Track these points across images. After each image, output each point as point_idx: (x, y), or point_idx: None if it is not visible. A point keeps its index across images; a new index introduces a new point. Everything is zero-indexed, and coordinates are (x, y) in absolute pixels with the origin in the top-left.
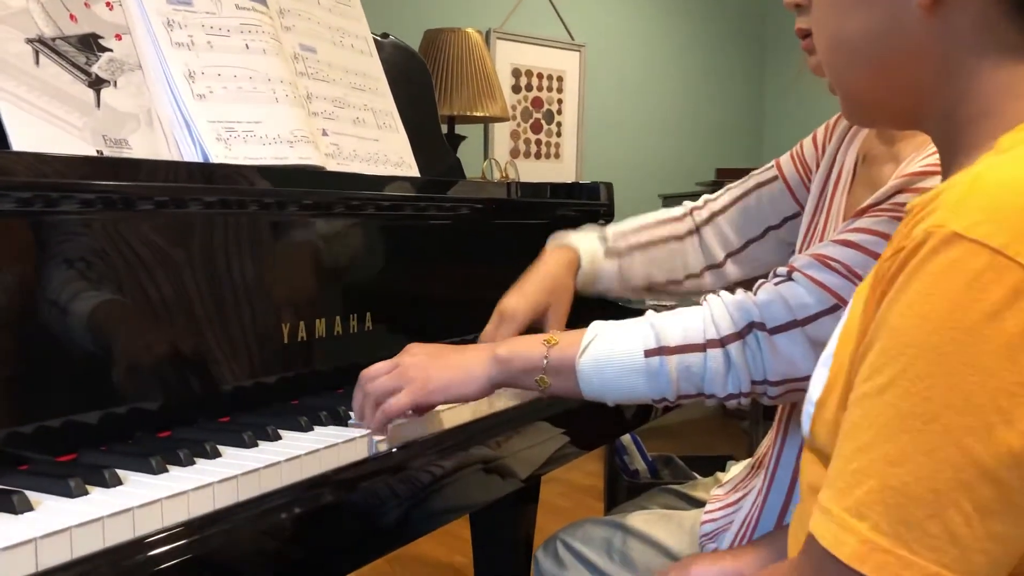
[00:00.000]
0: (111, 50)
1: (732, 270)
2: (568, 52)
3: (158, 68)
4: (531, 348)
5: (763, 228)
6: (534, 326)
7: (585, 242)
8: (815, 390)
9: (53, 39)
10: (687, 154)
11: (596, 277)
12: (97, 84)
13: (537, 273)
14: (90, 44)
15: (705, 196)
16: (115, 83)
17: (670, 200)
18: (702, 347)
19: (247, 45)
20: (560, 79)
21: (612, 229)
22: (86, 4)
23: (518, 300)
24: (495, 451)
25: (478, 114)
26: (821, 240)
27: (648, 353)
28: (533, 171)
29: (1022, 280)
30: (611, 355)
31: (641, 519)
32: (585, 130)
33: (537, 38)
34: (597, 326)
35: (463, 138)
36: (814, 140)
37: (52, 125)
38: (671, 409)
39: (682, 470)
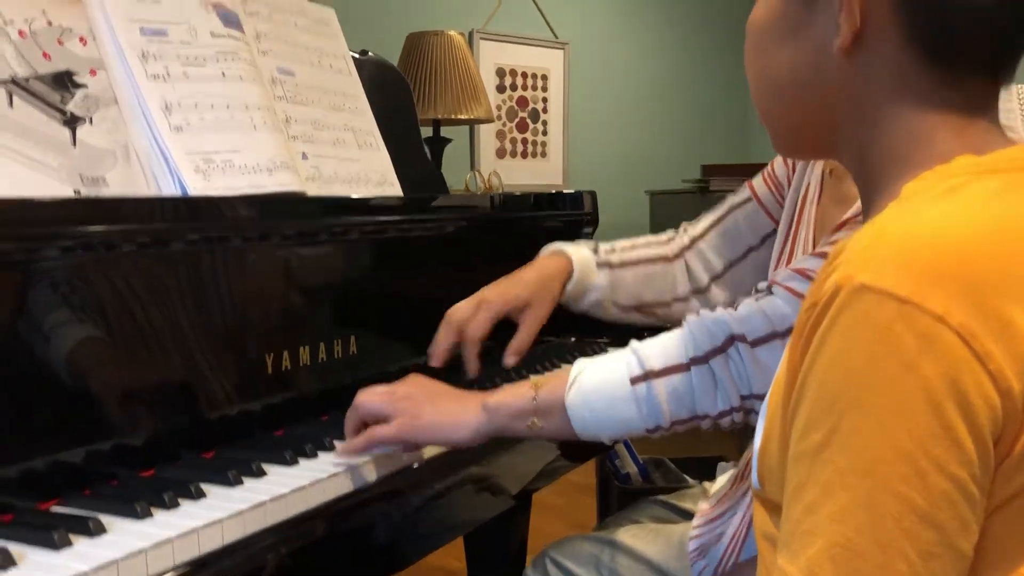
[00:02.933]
0: (86, 86)
1: (717, 293)
2: (552, 50)
3: (134, 102)
4: (518, 393)
5: (744, 249)
6: (511, 321)
7: (578, 251)
8: (757, 440)
9: (27, 79)
10: (673, 150)
11: (587, 287)
12: (72, 122)
13: (525, 270)
14: (64, 82)
15: (684, 224)
16: (91, 120)
17: (658, 196)
18: (686, 367)
19: (223, 73)
20: (545, 78)
21: (604, 245)
22: (59, 41)
23: (499, 290)
24: (486, 470)
25: (463, 117)
26: (793, 254)
27: (634, 380)
28: (520, 171)
29: (931, 326)
30: (598, 387)
31: (629, 534)
32: (571, 128)
33: (521, 37)
34: (582, 362)
35: (449, 140)
36: (784, 159)
37: (27, 167)
38: None
39: (673, 473)
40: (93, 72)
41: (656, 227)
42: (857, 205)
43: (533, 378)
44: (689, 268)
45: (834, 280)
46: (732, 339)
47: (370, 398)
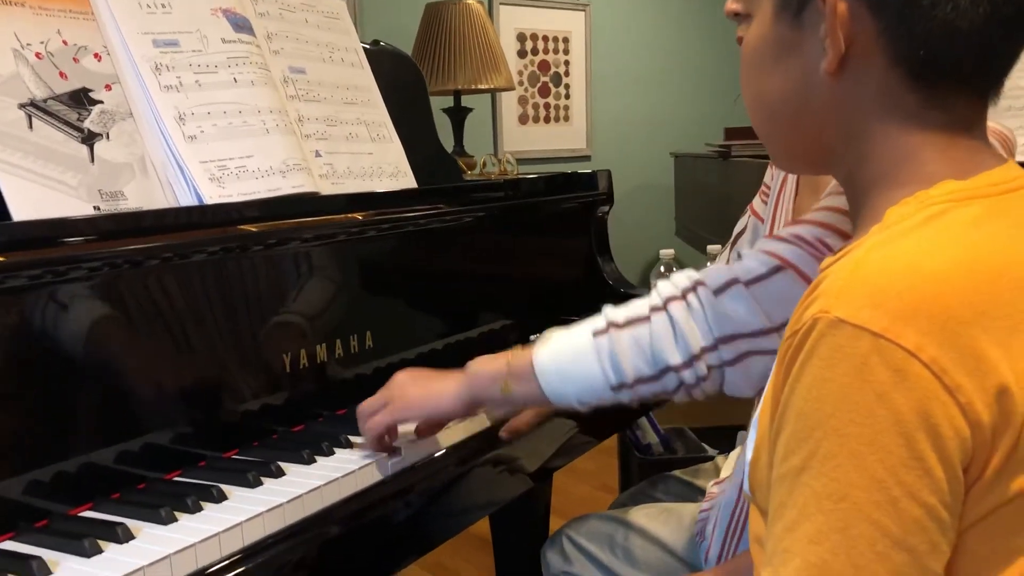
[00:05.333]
0: (102, 102)
1: None
2: (573, 12)
3: (149, 114)
4: (495, 358)
5: None
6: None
7: None
8: (748, 451)
9: (45, 100)
10: (696, 113)
11: None
12: (90, 139)
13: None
14: (80, 99)
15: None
16: (107, 135)
17: (681, 159)
18: (647, 317)
19: (235, 79)
20: (566, 40)
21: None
22: (75, 59)
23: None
24: (504, 453)
25: (483, 87)
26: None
27: (596, 333)
28: (543, 136)
29: (904, 360)
30: (564, 344)
31: (642, 514)
32: (593, 91)
33: (540, 0)
34: (554, 330)
35: (470, 110)
36: (771, 164)
37: (48, 188)
38: (660, 405)
39: (694, 443)
40: (108, 87)
41: (680, 189)
42: (831, 187)
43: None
44: None
45: (812, 312)
46: (694, 286)
47: (366, 403)
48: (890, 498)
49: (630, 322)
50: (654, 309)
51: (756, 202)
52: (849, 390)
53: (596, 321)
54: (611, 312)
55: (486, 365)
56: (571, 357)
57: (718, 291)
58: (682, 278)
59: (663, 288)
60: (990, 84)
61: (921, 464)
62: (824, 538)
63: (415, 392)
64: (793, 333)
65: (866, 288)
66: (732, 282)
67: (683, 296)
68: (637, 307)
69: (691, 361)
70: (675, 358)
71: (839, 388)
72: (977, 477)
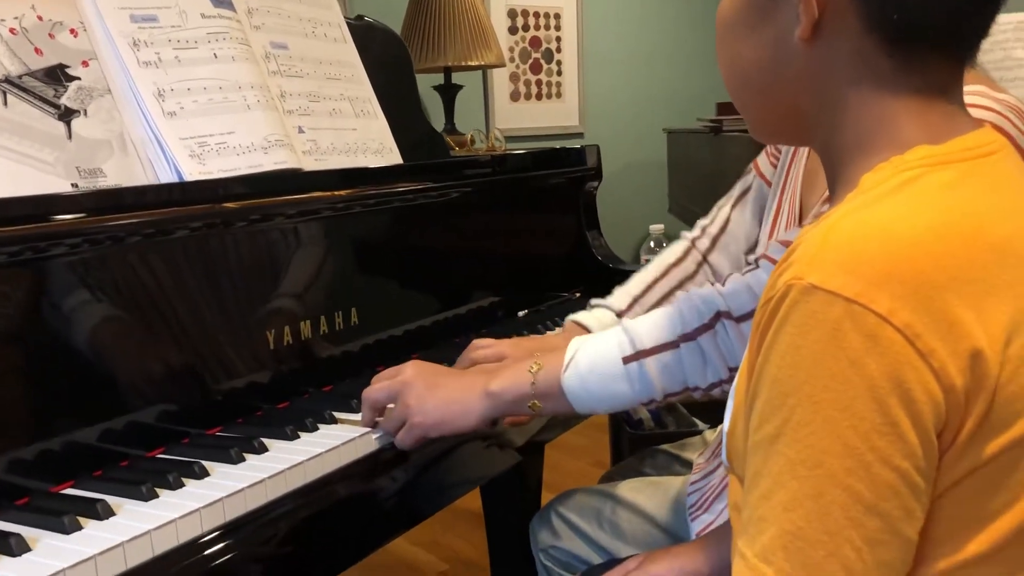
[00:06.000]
0: (79, 78)
1: None
2: None
3: (127, 90)
4: (519, 378)
5: (758, 233)
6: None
7: (600, 321)
8: (726, 421)
9: (20, 76)
10: (688, 88)
11: None
12: (67, 115)
13: (552, 338)
14: (57, 75)
15: (700, 222)
16: (85, 111)
17: (674, 135)
18: (676, 344)
19: (215, 54)
20: (557, 16)
21: (623, 294)
22: (51, 35)
23: (522, 349)
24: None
25: (473, 63)
26: (780, 210)
27: (626, 360)
28: (535, 113)
29: (877, 325)
30: (592, 368)
31: (629, 488)
32: (586, 67)
33: None
34: (576, 342)
35: (460, 87)
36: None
37: (24, 165)
38: None
39: (686, 418)
40: (85, 63)
41: (673, 165)
42: None
43: (533, 358)
44: (716, 269)
45: (786, 279)
46: (719, 315)
47: (373, 393)
48: (863, 464)
49: (658, 348)
50: (684, 339)
51: (762, 161)
52: (822, 356)
53: (621, 341)
54: (636, 332)
55: (509, 386)
56: (601, 381)
57: (741, 319)
58: (705, 302)
59: (688, 313)
60: (965, 48)
61: (894, 429)
62: (798, 505)
63: (435, 410)
64: (767, 300)
65: (839, 254)
66: (753, 313)
67: (711, 326)
68: (662, 329)
69: (719, 383)
70: (704, 382)
71: (812, 355)
72: (951, 442)
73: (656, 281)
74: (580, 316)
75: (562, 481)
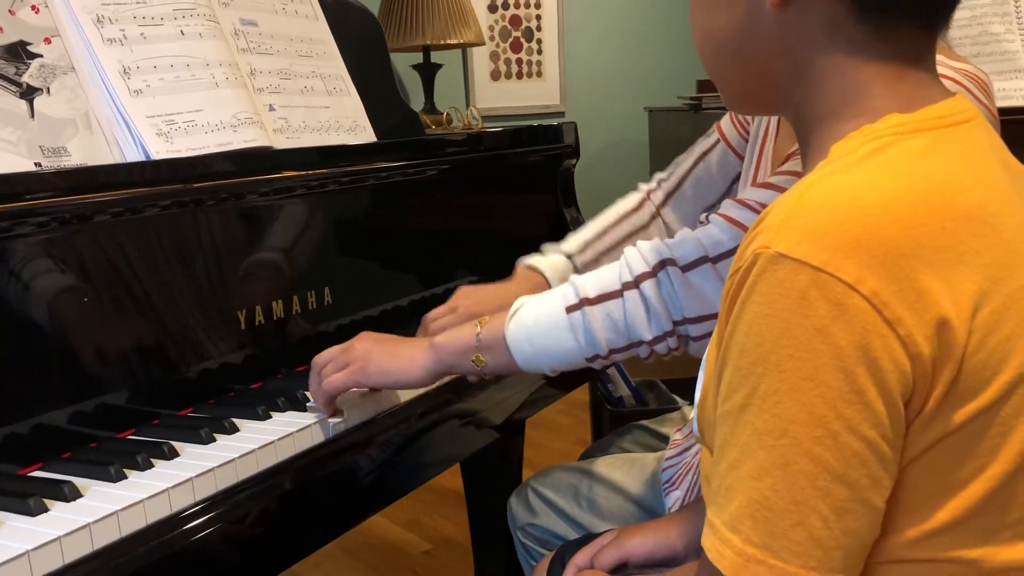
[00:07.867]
0: (41, 56)
1: None
2: None
3: (92, 68)
4: (463, 330)
5: (718, 196)
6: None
7: (552, 264)
8: (697, 392)
9: None
10: (671, 67)
11: None
12: (29, 94)
13: (499, 286)
14: (18, 52)
15: (658, 175)
16: (48, 90)
17: (656, 113)
18: (619, 292)
19: (182, 31)
20: None
21: (576, 239)
22: (11, 12)
23: (474, 300)
24: (467, 406)
25: (452, 41)
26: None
27: (569, 309)
28: (516, 92)
29: (844, 293)
30: (536, 319)
31: (606, 464)
32: (566, 46)
33: None
34: (522, 299)
35: (440, 66)
36: None
37: None
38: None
39: (666, 395)
40: (48, 40)
41: (655, 144)
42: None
43: (482, 317)
44: (666, 225)
45: (753, 248)
46: (663, 263)
47: (324, 355)
48: (830, 432)
49: (602, 297)
50: (626, 285)
51: (725, 125)
52: (789, 325)
53: (566, 292)
54: (580, 283)
55: (455, 338)
56: (545, 331)
57: (687, 268)
58: (651, 251)
59: (632, 260)
60: (938, 16)
61: (861, 398)
62: (765, 474)
63: (380, 358)
64: (736, 270)
65: (806, 222)
66: (702, 260)
67: (654, 273)
68: (607, 279)
69: (663, 336)
70: (647, 334)
71: (779, 323)
72: (918, 410)
73: (609, 228)
74: (532, 259)
75: (545, 460)
